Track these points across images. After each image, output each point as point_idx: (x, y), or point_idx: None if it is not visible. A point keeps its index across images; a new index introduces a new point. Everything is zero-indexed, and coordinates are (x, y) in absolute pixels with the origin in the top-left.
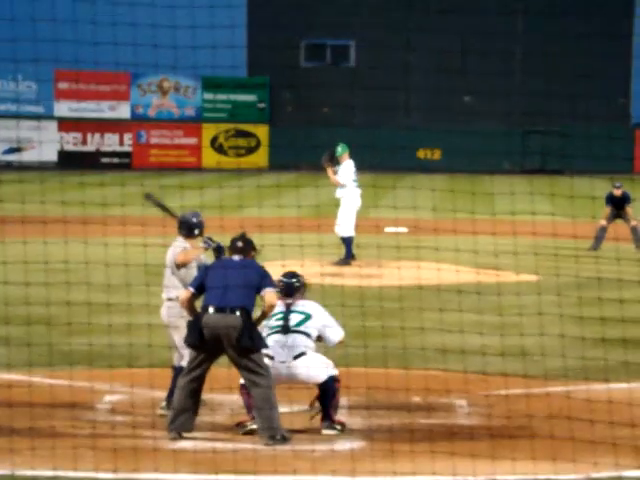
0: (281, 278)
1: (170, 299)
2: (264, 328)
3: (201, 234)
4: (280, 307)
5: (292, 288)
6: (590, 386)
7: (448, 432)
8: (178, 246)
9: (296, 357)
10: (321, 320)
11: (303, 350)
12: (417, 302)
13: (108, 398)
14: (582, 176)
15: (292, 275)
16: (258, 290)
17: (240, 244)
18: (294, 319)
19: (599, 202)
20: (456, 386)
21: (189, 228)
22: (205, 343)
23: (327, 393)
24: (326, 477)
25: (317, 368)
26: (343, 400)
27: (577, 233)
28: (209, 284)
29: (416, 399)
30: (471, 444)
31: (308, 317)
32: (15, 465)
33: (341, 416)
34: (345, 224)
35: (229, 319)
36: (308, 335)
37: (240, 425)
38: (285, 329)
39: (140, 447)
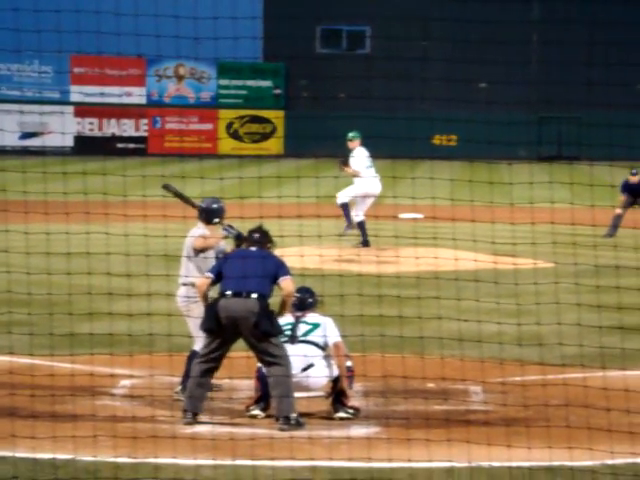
0: (295, 293)
1: (185, 284)
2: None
3: (221, 221)
4: (289, 318)
5: (305, 304)
6: (607, 373)
7: (463, 419)
8: (197, 232)
9: (305, 369)
10: (328, 327)
11: (311, 362)
12: (434, 288)
13: (128, 383)
14: (600, 163)
15: (306, 290)
16: (275, 280)
17: (257, 236)
18: (302, 329)
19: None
20: (472, 373)
21: (209, 215)
22: (222, 329)
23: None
24: (342, 463)
25: (324, 379)
26: (358, 386)
27: (595, 220)
28: (227, 273)
29: (431, 385)
30: (486, 430)
31: (316, 326)
32: (35, 449)
33: (356, 402)
34: (345, 193)
35: (248, 303)
36: (316, 344)
37: (246, 409)
38: (292, 339)
39: (159, 432)
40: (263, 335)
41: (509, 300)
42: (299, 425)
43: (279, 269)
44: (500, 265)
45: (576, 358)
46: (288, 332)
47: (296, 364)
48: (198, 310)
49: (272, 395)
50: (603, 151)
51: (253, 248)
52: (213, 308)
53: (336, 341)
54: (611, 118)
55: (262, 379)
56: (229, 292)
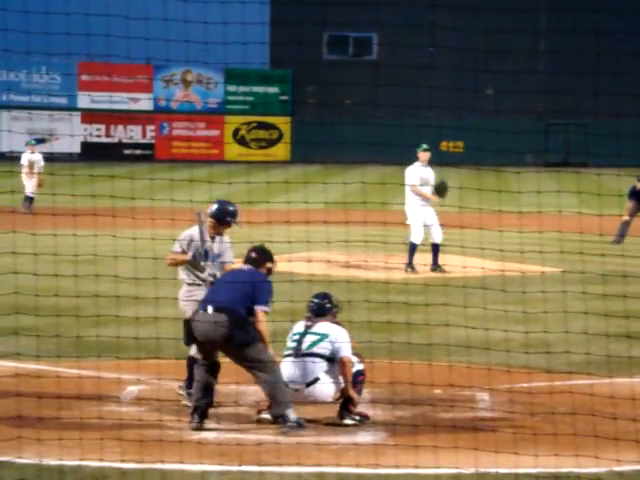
0: (312, 298)
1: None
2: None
3: (230, 223)
4: (299, 328)
5: (323, 309)
6: (614, 380)
7: (471, 425)
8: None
9: (309, 384)
10: (336, 337)
11: (317, 376)
12: (441, 294)
13: (134, 388)
14: (608, 170)
15: (324, 296)
16: (252, 304)
17: (253, 255)
18: (308, 340)
19: (625, 195)
20: (479, 379)
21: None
22: (201, 343)
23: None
24: (349, 469)
25: (331, 391)
26: (366, 393)
27: (603, 227)
28: (208, 293)
29: (439, 392)
30: (494, 437)
31: (323, 337)
32: (42, 454)
33: (363, 409)
34: (412, 229)
35: (216, 317)
36: (322, 356)
37: (257, 412)
38: (297, 352)
39: (165, 438)
40: (239, 346)
41: (516, 307)
42: (300, 426)
43: (258, 295)
44: (508, 272)
45: (583, 365)
46: (294, 344)
47: (300, 379)
48: (190, 313)
49: (267, 399)
50: (610, 158)
51: (246, 267)
52: (188, 326)
53: (343, 357)
54: (618, 126)
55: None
56: (201, 311)
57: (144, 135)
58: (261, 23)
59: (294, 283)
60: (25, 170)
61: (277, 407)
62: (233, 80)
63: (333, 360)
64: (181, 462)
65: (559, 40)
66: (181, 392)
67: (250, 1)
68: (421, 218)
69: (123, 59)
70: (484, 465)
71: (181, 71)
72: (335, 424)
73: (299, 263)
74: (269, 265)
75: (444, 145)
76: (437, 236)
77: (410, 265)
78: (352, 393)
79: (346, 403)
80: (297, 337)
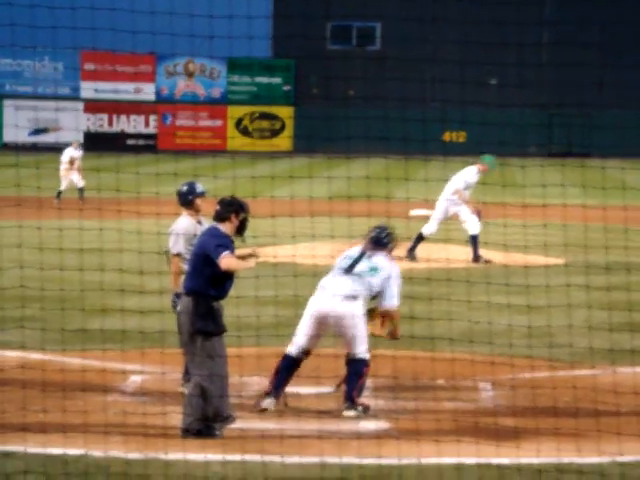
0: (371, 230)
1: None
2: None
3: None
4: (354, 252)
5: (380, 242)
6: (617, 370)
7: (473, 415)
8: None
9: (347, 297)
10: (387, 275)
11: (356, 294)
12: (445, 285)
13: (139, 379)
14: (611, 161)
15: (382, 229)
16: (211, 262)
17: (217, 208)
18: (361, 266)
19: (630, 187)
20: (481, 369)
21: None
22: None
23: (354, 374)
24: (352, 459)
25: (356, 321)
26: (369, 382)
27: (607, 217)
28: None
29: (441, 382)
30: (496, 427)
31: (375, 270)
32: (46, 444)
33: (366, 398)
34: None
35: (184, 301)
36: (365, 284)
37: (255, 404)
38: (349, 270)
39: (169, 428)
40: (195, 333)
41: (520, 297)
42: (212, 435)
43: (210, 253)
44: (511, 262)
45: (586, 354)
46: (348, 262)
47: (341, 289)
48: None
49: (186, 398)
50: (614, 149)
51: (207, 225)
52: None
53: (390, 307)
54: (622, 117)
55: (280, 372)
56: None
57: (147, 125)
58: (265, 17)
59: (298, 272)
60: (64, 166)
61: (192, 410)
62: (236, 70)
63: (374, 298)
64: (184, 452)
65: (563, 31)
66: (182, 389)
67: None
68: (445, 215)
69: (127, 46)
70: (486, 454)
71: (184, 61)
72: (338, 414)
73: (303, 254)
74: (239, 217)
75: (447, 136)
76: (473, 228)
77: (411, 253)
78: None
79: (350, 391)
80: (352, 258)
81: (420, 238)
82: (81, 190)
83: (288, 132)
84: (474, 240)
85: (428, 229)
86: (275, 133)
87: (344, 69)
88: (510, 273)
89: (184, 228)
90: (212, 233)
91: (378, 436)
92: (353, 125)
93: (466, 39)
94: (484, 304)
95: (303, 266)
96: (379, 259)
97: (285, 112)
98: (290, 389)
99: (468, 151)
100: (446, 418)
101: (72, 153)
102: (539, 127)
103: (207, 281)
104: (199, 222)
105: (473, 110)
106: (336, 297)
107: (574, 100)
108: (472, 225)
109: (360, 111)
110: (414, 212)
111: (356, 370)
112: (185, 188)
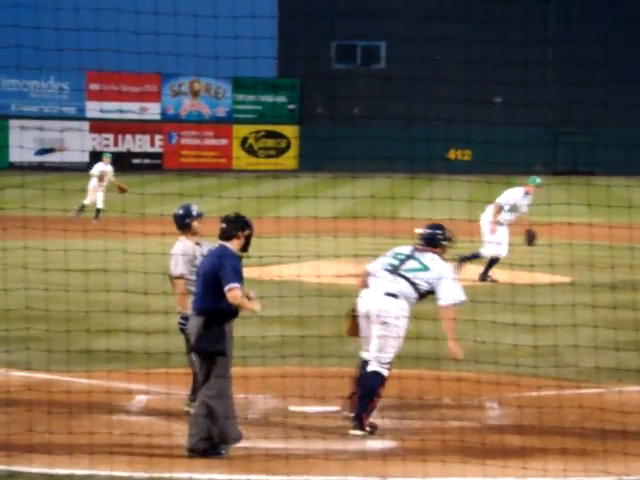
0: (425, 227)
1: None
2: (381, 264)
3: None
4: (405, 249)
5: (434, 240)
6: (623, 389)
7: (479, 434)
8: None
9: (387, 294)
10: (438, 274)
11: (397, 292)
12: None
13: (144, 398)
14: (616, 179)
15: (438, 227)
16: (220, 285)
17: (223, 226)
18: (409, 265)
19: (635, 205)
20: (488, 388)
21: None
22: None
23: (368, 391)
24: (357, 478)
25: (390, 320)
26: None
27: (613, 235)
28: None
29: (447, 400)
30: (502, 446)
31: (424, 268)
32: (52, 464)
33: (372, 418)
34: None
35: (192, 321)
36: (414, 286)
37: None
38: (394, 270)
39: (174, 448)
40: (204, 354)
41: (525, 316)
42: (216, 454)
43: (222, 277)
44: (517, 280)
45: (592, 373)
46: (395, 262)
47: (383, 287)
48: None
49: (192, 417)
50: (619, 166)
51: (216, 245)
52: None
53: (445, 304)
54: (626, 134)
55: (359, 380)
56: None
57: (152, 144)
58: (270, 38)
59: (303, 291)
60: (94, 181)
61: (193, 437)
62: (241, 89)
63: (422, 297)
64: (190, 472)
65: (568, 50)
66: (187, 409)
67: (260, 15)
68: (504, 233)
69: (132, 66)
70: (492, 473)
71: (189, 80)
72: (344, 433)
73: (308, 273)
74: (245, 233)
75: (452, 154)
76: (488, 249)
77: (486, 275)
78: (451, 344)
79: (360, 411)
80: (401, 257)
81: (494, 260)
82: (98, 211)
83: (293, 151)
84: (491, 262)
85: (498, 252)
86: (280, 152)
87: (349, 88)
88: (516, 291)
89: (183, 250)
90: (222, 253)
91: (384, 455)
92: (358, 144)
93: (471, 58)
94: (490, 323)
95: (308, 285)
96: (430, 258)
97: (290, 131)
98: (295, 408)
99: (473, 169)
100: (452, 437)
101: (103, 168)
102: (544, 145)
103: (219, 301)
104: (198, 244)
105: (478, 128)
106: (376, 293)
107: (579, 118)
108: (489, 247)
109: (365, 130)
110: (420, 231)
111: (371, 386)
112: (181, 211)
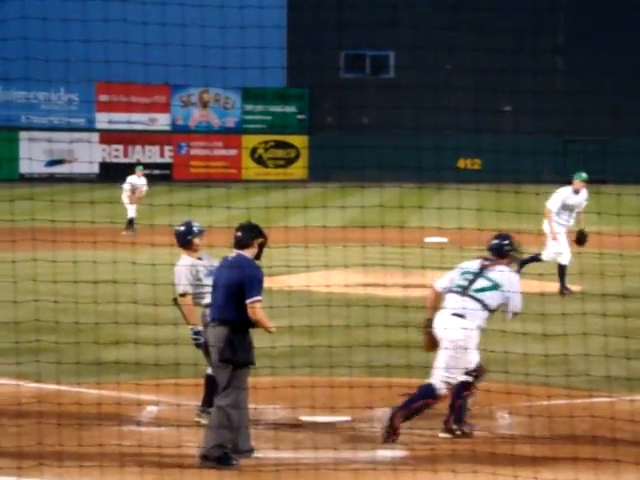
0: (492, 239)
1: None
2: (450, 281)
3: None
4: (474, 265)
5: (502, 251)
6: (634, 398)
7: (490, 443)
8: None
9: (454, 315)
10: (508, 290)
11: (463, 312)
12: None
13: (154, 409)
14: (627, 187)
15: (504, 237)
16: (243, 296)
17: (238, 235)
18: (479, 284)
19: None
20: (498, 397)
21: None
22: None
23: (454, 401)
24: None
25: (460, 336)
26: (386, 410)
27: (623, 244)
28: (213, 297)
29: None
30: (513, 456)
31: (495, 287)
32: (62, 476)
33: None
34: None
35: (213, 332)
36: (484, 305)
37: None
38: (464, 291)
39: (185, 459)
40: (228, 363)
41: (535, 325)
42: (229, 464)
43: (247, 289)
44: (526, 288)
45: (603, 382)
46: (465, 282)
47: (451, 306)
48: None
49: (208, 428)
50: (629, 175)
51: (232, 254)
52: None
53: (510, 318)
54: (636, 143)
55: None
56: (210, 323)
57: (162, 155)
58: (279, 48)
59: (312, 301)
60: (127, 194)
61: (207, 444)
62: (250, 99)
63: (494, 312)
64: None
65: (577, 58)
66: (197, 419)
67: (268, 25)
68: (562, 238)
69: (141, 77)
70: None
71: (198, 91)
72: (354, 442)
73: (317, 282)
74: (259, 241)
75: (462, 163)
76: (548, 254)
77: (564, 288)
78: None
79: (448, 418)
80: (470, 277)
81: (562, 270)
82: (130, 222)
83: (302, 161)
84: (561, 274)
85: (565, 259)
86: (290, 162)
87: (358, 97)
88: (526, 300)
89: (185, 266)
90: (244, 264)
91: (394, 465)
92: (367, 153)
93: (480, 66)
94: (499, 332)
95: (317, 294)
96: (499, 271)
97: (299, 141)
98: (305, 418)
99: (483, 179)
100: (463, 447)
101: (134, 181)
102: (554, 154)
103: (242, 311)
104: (199, 258)
105: (487, 137)
106: (444, 313)
107: (589, 127)
108: (549, 252)
109: (374, 139)
110: (429, 240)
111: (455, 395)
112: (182, 228)
